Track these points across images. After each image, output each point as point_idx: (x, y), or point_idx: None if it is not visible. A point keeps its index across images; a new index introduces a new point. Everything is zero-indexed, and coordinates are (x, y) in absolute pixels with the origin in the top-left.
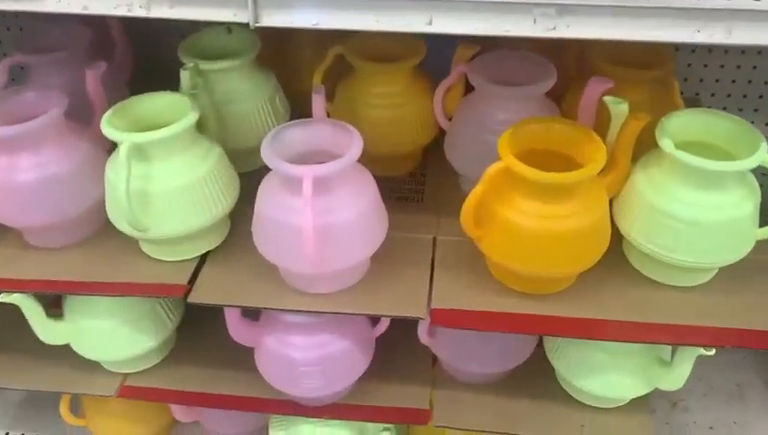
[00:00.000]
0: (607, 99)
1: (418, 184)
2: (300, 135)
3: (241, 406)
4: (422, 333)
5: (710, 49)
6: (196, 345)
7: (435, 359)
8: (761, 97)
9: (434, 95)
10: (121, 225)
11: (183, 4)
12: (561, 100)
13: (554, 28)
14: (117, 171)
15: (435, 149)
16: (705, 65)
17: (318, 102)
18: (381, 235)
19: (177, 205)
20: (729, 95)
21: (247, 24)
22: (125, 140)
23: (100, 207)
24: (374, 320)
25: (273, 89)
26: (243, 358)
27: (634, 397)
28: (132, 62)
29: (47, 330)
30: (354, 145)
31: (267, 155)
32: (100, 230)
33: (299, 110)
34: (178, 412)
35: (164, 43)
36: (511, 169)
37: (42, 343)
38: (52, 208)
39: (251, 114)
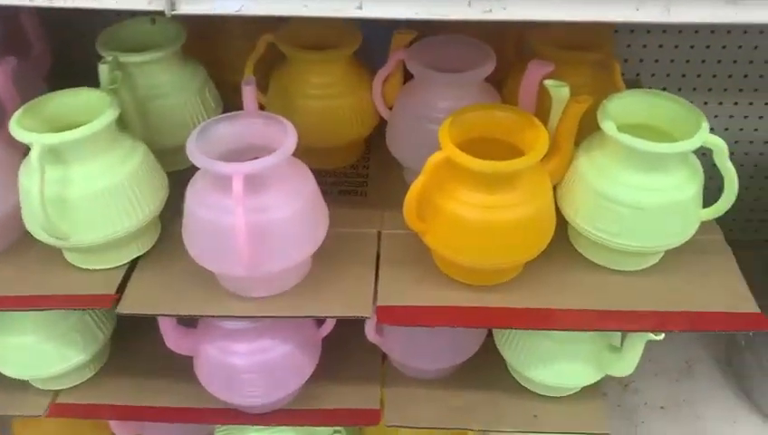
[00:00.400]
0: (547, 82)
1: (361, 177)
2: (229, 130)
3: (182, 418)
4: (369, 331)
5: (649, 29)
6: (132, 356)
7: (384, 356)
8: (699, 76)
9: (372, 84)
10: (39, 233)
11: None
12: (503, 85)
13: (490, 10)
14: (29, 176)
15: (377, 139)
16: (645, 46)
17: (248, 94)
18: (322, 232)
19: (99, 210)
20: (668, 75)
21: (163, 13)
22: (36, 141)
23: (17, 215)
24: (319, 321)
25: (202, 82)
26: (182, 367)
27: (586, 385)
28: (50, 57)
29: None
30: (288, 139)
31: (193, 152)
32: (18, 240)
33: (232, 103)
34: (117, 428)
35: (85, 37)
36: (452, 160)
37: None
38: None
39: (178, 109)
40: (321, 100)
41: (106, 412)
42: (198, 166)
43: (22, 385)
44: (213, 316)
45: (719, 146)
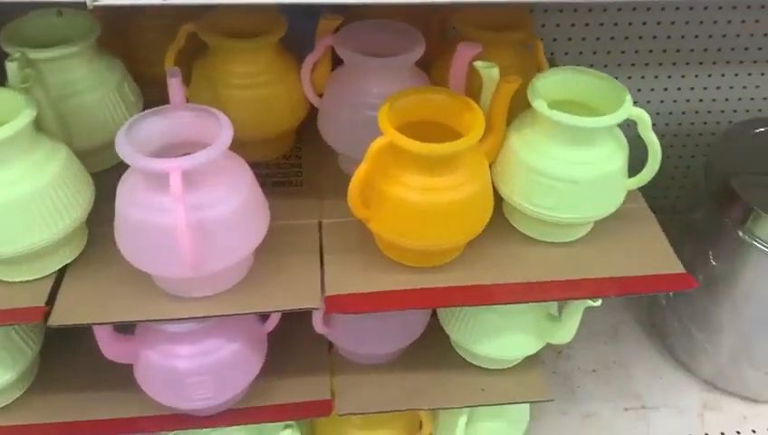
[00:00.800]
0: (477, 64)
1: (294, 167)
2: (158, 125)
3: (125, 428)
4: (317, 322)
5: (561, 9)
6: (65, 370)
7: (330, 345)
8: (609, 53)
9: (301, 72)
10: None
11: None
12: (429, 68)
13: None
14: None
15: (308, 127)
16: (558, 25)
17: (174, 86)
18: (264, 225)
19: (21, 218)
20: (581, 53)
21: (84, 5)
22: None
23: None
24: (263, 316)
25: (120, 76)
26: (120, 377)
27: (528, 355)
28: None
29: None
30: (223, 131)
31: (124, 150)
32: None
33: (152, 98)
34: None
35: None
36: (395, 144)
37: None
38: None
39: (96, 106)
40: (249, 89)
41: (40, 432)
42: (130, 164)
43: None
44: (153, 320)
45: (643, 118)
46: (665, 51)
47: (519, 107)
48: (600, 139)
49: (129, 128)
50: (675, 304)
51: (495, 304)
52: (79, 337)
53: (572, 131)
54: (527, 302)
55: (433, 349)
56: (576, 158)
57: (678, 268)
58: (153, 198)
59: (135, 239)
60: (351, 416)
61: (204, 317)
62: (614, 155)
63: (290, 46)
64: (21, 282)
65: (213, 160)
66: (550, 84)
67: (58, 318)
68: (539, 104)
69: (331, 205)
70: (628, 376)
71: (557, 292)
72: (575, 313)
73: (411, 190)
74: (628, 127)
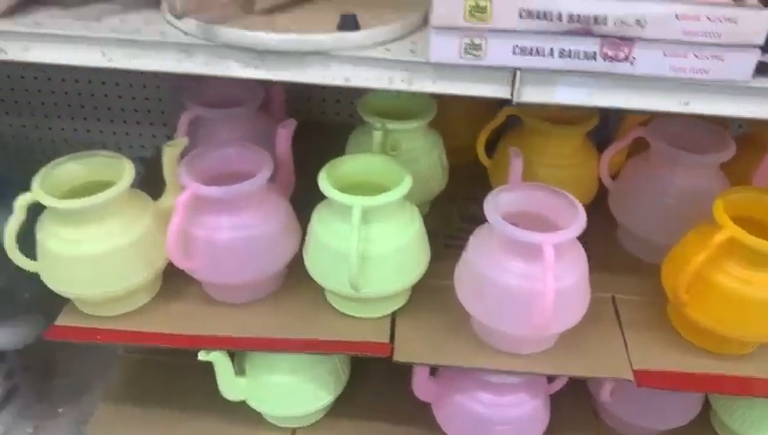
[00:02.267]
0: None
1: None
2: (512, 198)
3: None
4: (605, 392)
5: None
6: (355, 399)
7: (595, 413)
8: None
9: (601, 156)
10: (335, 285)
11: (445, 78)
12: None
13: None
14: (345, 235)
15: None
16: None
17: (516, 165)
18: (589, 295)
19: (395, 265)
20: None
21: (509, 100)
22: (357, 204)
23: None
24: (550, 378)
25: (441, 146)
26: (404, 410)
27: None
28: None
29: (232, 387)
30: (579, 215)
31: (497, 222)
32: (281, 286)
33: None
34: None
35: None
36: (735, 239)
37: (183, 401)
38: (253, 267)
39: (425, 171)
40: (559, 169)
41: None
42: (503, 232)
43: (256, 422)
44: (488, 370)
45: None
46: None
47: None
48: None
49: (494, 198)
50: None
51: None
52: (365, 372)
53: None
54: None
55: (694, 430)
56: None
57: None
58: (517, 264)
59: (489, 297)
60: None
61: (535, 373)
62: None
63: None
64: (366, 318)
65: (571, 238)
66: None
67: (401, 355)
68: None
69: (621, 281)
70: None
71: None
72: None
73: (740, 282)
74: None
